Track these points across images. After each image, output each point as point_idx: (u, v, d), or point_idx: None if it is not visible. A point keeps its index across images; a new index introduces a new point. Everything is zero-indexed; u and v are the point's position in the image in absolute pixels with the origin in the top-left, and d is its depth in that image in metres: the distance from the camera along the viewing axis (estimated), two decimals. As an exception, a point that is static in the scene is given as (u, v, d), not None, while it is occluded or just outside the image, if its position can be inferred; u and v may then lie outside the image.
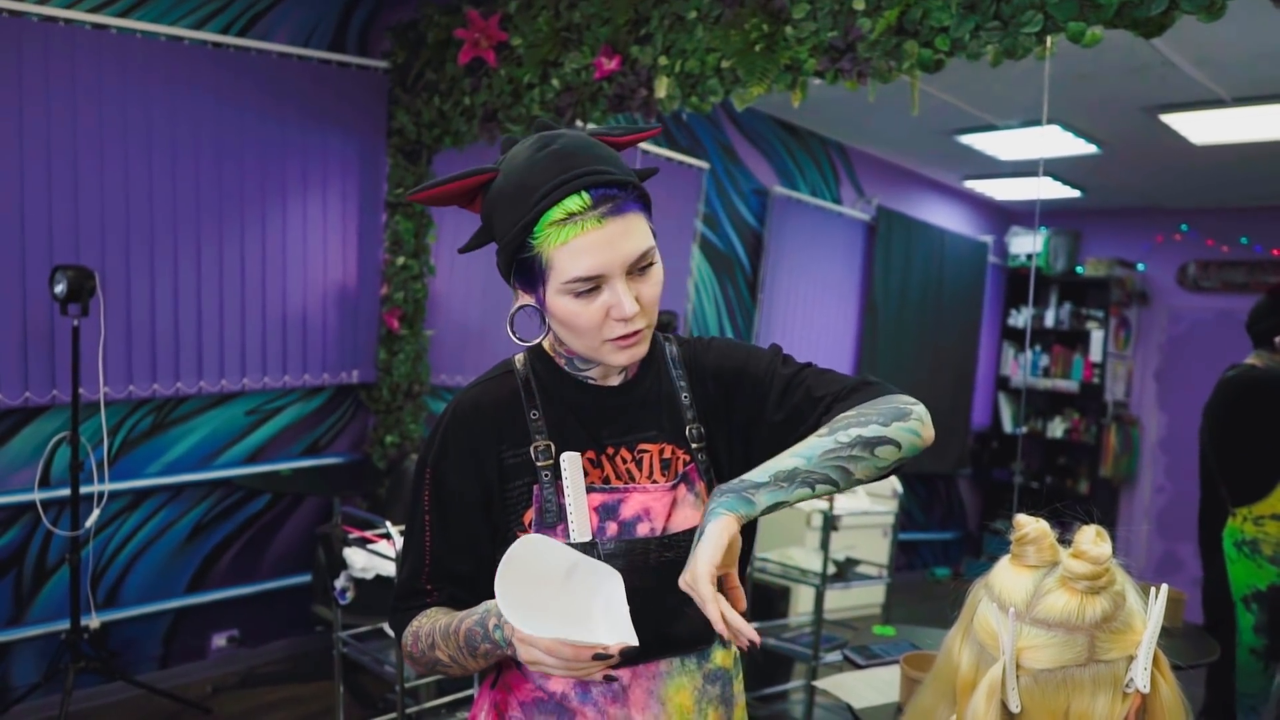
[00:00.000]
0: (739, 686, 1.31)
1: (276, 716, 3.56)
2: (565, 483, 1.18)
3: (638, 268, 1.13)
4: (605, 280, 1.11)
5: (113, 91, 3.37)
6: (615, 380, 1.27)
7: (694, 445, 1.27)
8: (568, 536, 1.17)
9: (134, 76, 3.42)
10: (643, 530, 1.20)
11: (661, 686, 1.22)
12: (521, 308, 1.21)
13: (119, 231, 3.44)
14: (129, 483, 3.60)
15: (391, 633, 1.32)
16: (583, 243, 1.09)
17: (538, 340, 1.23)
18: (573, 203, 1.08)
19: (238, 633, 3.97)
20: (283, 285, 3.91)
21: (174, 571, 3.77)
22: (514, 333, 1.20)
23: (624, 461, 1.23)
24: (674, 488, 1.23)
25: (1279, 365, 3.03)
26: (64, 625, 3.36)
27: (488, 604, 1.13)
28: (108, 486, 3.46)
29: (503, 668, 1.27)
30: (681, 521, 1.23)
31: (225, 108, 3.66)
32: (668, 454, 1.25)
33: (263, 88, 3.75)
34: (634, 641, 1.02)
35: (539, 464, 1.20)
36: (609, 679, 1.16)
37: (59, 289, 3.13)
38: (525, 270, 1.14)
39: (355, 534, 2.78)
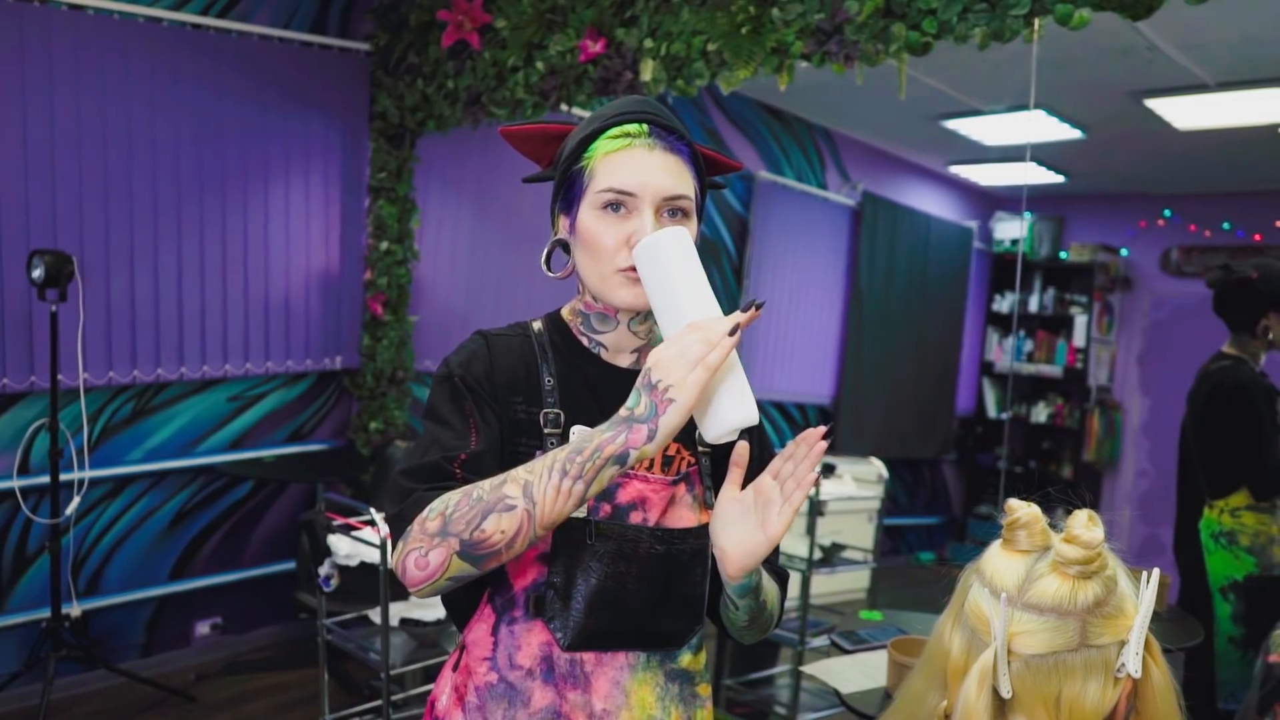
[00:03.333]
0: (705, 690, 1.29)
1: (260, 704, 3.54)
2: None
3: (670, 211, 1.17)
4: (635, 204, 1.15)
5: (90, 73, 3.32)
6: (626, 361, 1.26)
7: (700, 448, 1.26)
8: None
9: (112, 58, 3.36)
10: (635, 518, 1.19)
11: (626, 678, 1.21)
12: (558, 242, 1.25)
13: (97, 215, 3.39)
14: (110, 470, 3.57)
15: (387, 526, 1.12)
16: (626, 156, 1.16)
17: (563, 274, 1.25)
18: (631, 128, 1.18)
19: (221, 620, 3.95)
20: (265, 270, 3.87)
21: (156, 559, 3.74)
22: (549, 267, 1.24)
23: None
24: (674, 484, 1.22)
25: (1260, 350, 3.04)
26: (45, 613, 3.33)
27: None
28: (88, 474, 3.43)
29: (468, 645, 1.25)
30: (676, 519, 1.22)
31: (205, 90, 3.61)
32: (671, 451, 1.24)
33: (243, 70, 3.71)
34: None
35: (546, 430, 1.18)
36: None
37: (36, 274, 3.09)
38: (570, 186, 1.20)
39: (339, 521, 2.76)
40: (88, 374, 3.41)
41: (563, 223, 1.23)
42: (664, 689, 1.23)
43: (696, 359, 1.00)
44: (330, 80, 3.98)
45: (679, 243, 1.08)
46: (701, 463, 1.26)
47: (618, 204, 1.15)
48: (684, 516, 1.22)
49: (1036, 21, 2.23)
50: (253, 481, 3.98)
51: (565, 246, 1.24)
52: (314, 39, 3.89)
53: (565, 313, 1.29)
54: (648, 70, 2.94)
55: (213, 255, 3.71)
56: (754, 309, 1.03)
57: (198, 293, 3.68)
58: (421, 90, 3.79)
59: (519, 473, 1.05)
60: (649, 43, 2.93)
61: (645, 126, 1.17)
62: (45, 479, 3.30)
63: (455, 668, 1.28)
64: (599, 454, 1.02)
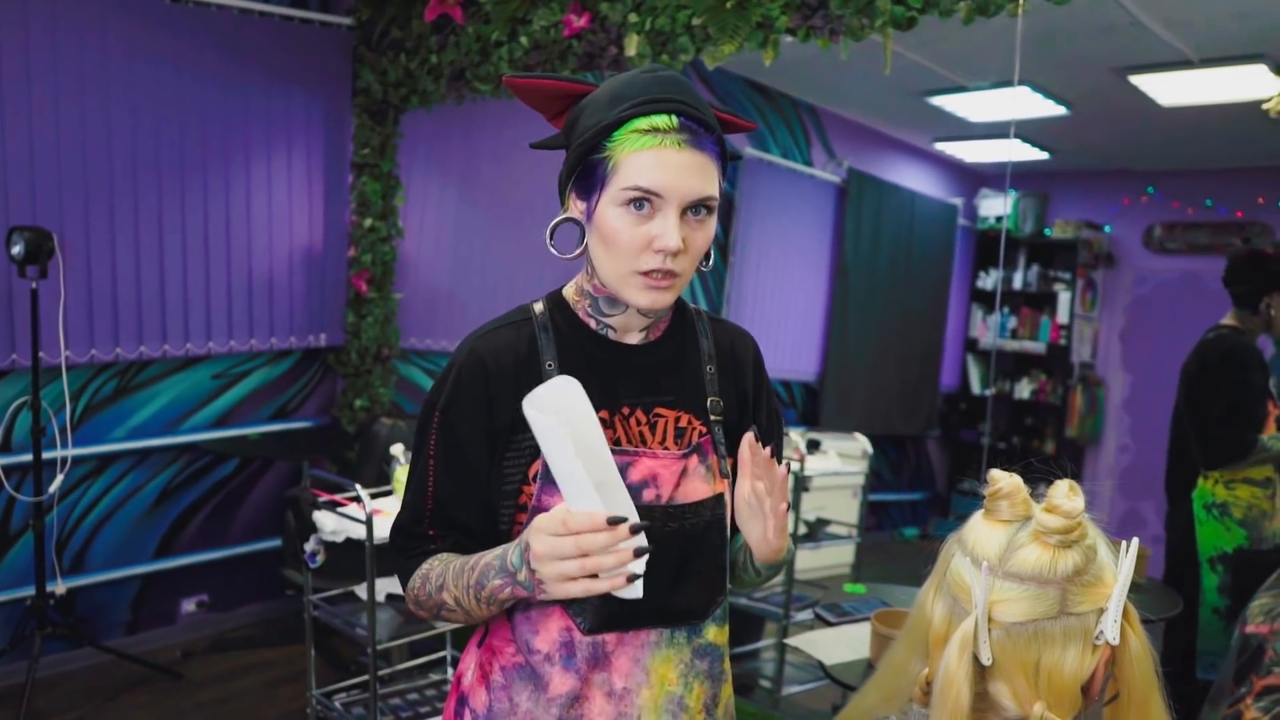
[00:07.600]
0: (728, 664, 1.28)
1: (248, 680, 3.55)
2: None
3: (694, 210, 1.14)
4: (660, 204, 1.11)
5: (68, 48, 3.28)
6: (635, 338, 1.24)
7: (712, 417, 1.25)
8: None
9: (90, 33, 3.32)
10: (648, 497, 1.17)
11: (648, 656, 1.19)
12: (565, 220, 1.21)
13: (77, 192, 3.36)
14: (93, 448, 3.55)
15: (399, 578, 1.28)
16: (656, 156, 1.10)
17: (573, 255, 1.21)
18: (660, 120, 1.10)
19: (207, 597, 3.95)
20: (248, 247, 3.85)
21: (141, 536, 3.73)
22: (553, 245, 1.21)
23: (638, 424, 1.20)
24: (685, 457, 1.20)
25: (1258, 327, 3.05)
26: (29, 591, 3.32)
27: (510, 544, 1.10)
28: (71, 452, 3.41)
29: (491, 626, 1.24)
30: (689, 493, 1.20)
31: (185, 65, 3.57)
32: (683, 422, 1.23)
33: (223, 45, 3.66)
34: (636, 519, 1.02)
35: None
36: (633, 577, 1.01)
37: (16, 250, 3.06)
38: (588, 174, 1.14)
39: (325, 498, 2.76)
40: (69, 351, 3.38)
41: (577, 205, 1.18)
42: (689, 665, 1.22)
43: (570, 575, 1.01)
44: (312, 55, 3.94)
45: (580, 400, 1.02)
46: (714, 432, 1.25)
47: (641, 202, 1.11)
48: (697, 489, 1.21)
49: (1021, -4, 2.23)
50: (237, 459, 3.97)
51: (575, 224, 1.21)
52: (295, 13, 3.85)
53: (570, 292, 1.26)
54: (632, 45, 2.93)
55: (195, 232, 3.68)
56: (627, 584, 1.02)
57: (180, 270, 3.66)
58: (405, 65, 3.76)
59: (450, 583, 1.16)
60: (633, 17, 2.91)
61: (675, 119, 1.10)
62: (28, 457, 3.28)
63: (481, 644, 1.27)
64: (494, 597, 1.11)
